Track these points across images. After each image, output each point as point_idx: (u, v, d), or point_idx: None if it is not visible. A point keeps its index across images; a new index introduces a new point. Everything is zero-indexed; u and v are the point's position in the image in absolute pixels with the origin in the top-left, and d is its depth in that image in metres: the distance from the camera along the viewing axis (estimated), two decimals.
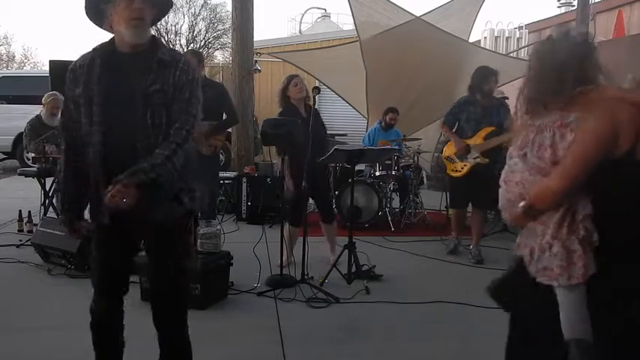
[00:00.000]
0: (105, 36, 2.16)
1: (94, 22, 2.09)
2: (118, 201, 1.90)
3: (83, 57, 2.10)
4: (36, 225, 5.05)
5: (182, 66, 2.08)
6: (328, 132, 5.11)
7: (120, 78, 2.04)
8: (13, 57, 28.27)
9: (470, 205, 5.20)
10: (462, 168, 4.98)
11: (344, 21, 18.29)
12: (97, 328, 2.23)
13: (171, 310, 2.21)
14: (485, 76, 4.84)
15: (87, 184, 2.11)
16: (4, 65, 26.13)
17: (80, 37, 45.59)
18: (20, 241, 5.11)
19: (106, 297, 2.21)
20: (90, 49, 2.11)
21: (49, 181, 5.57)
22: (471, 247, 5.11)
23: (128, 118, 2.02)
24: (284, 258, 4.25)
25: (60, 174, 2.19)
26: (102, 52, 2.08)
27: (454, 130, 5.06)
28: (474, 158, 4.89)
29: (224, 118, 5.10)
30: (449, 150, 5.09)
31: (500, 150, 4.91)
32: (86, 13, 2.08)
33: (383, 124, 7.00)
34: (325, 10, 20.38)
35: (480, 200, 4.99)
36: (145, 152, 2.00)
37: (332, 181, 6.46)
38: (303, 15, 20.52)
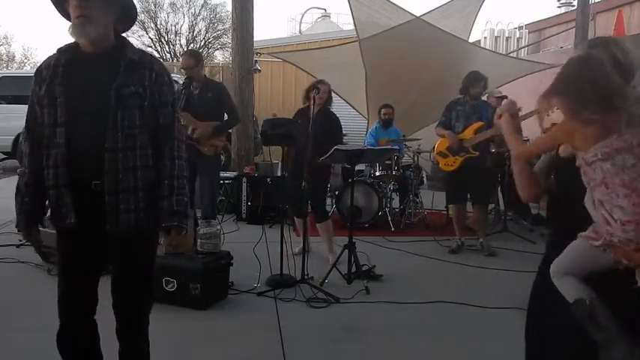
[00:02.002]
0: None
1: (65, 17, 2.02)
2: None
3: (49, 58, 2.04)
4: None
5: (156, 68, 2.04)
6: None
7: (85, 78, 1.97)
8: (13, 57, 28.25)
9: (470, 203, 5.33)
10: (454, 162, 5.17)
11: (344, 21, 18.31)
12: (61, 342, 2.12)
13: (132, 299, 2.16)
14: (473, 80, 5.15)
15: (46, 189, 2.06)
16: (4, 65, 26.08)
17: None
18: (20, 241, 5.08)
19: (71, 307, 2.10)
20: (55, 51, 2.06)
21: None
22: (481, 240, 5.23)
23: (95, 120, 1.94)
24: (298, 248, 4.53)
25: (24, 177, 2.06)
26: (66, 52, 2.02)
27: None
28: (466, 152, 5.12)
29: (225, 118, 5.10)
30: (441, 145, 5.28)
31: (490, 143, 5.28)
32: (55, 7, 2.02)
33: (380, 121, 6.99)
34: (325, 10, 20.42)
35: (476, 193, 5.18)
36: (112, 154, 1.94)
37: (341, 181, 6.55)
38: (303, 15, 20.55)
